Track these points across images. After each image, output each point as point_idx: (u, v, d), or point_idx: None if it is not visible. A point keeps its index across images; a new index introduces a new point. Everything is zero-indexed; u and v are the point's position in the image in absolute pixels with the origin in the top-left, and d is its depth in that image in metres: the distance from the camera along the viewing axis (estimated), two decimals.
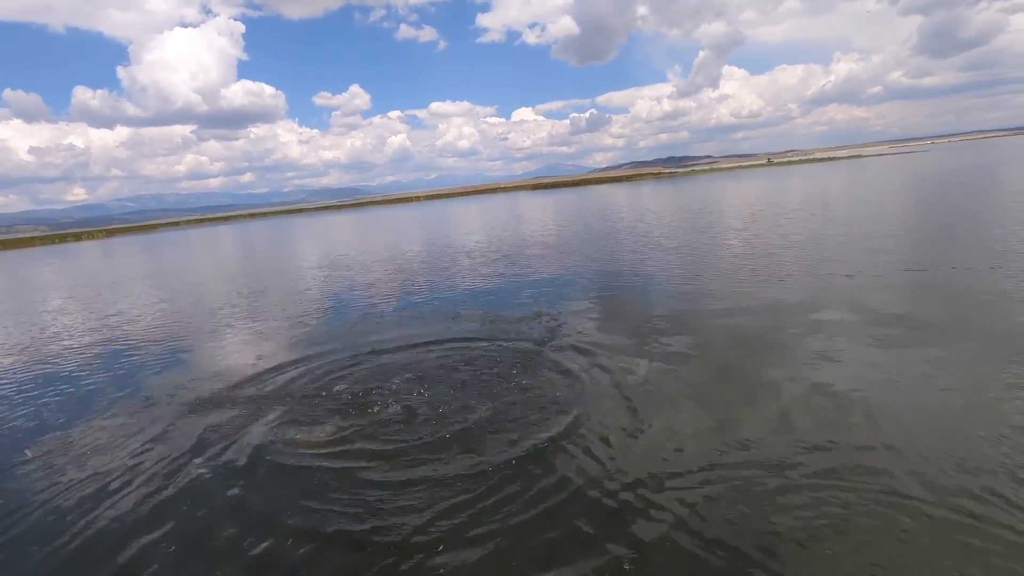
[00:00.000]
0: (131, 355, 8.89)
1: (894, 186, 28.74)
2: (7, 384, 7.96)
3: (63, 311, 14.57)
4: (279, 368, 7.16)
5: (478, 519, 3.58)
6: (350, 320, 9.62)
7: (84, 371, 8.23)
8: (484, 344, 7.29)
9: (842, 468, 3.71)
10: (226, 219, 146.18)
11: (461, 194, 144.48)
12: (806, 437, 4.15)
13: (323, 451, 4.74)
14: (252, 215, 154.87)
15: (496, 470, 4.12)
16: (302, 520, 3.77)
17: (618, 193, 58.14)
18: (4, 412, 6.70)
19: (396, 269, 15.59)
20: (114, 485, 4.50)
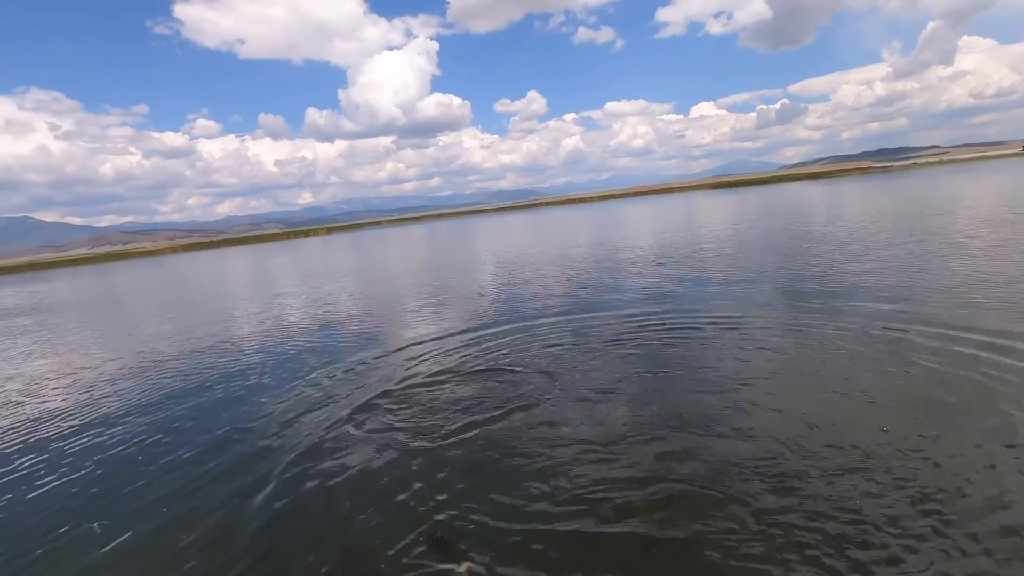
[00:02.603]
0: (340, 332, 10.62)
1: None
2: (249, 347, 10.14)
3: (291, 294, 17.91)
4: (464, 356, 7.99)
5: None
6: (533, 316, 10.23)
7: (302, 343, 10.08)
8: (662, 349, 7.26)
9: None
10: (418, 219, 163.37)
11: (634, 194, 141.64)
12: None
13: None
14: (439, 215, 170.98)
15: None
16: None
17: (813, 192, 51.81)
18: (245, 366, 8.59)
19: (571, 267, 16.02)
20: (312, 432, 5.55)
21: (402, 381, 7.04)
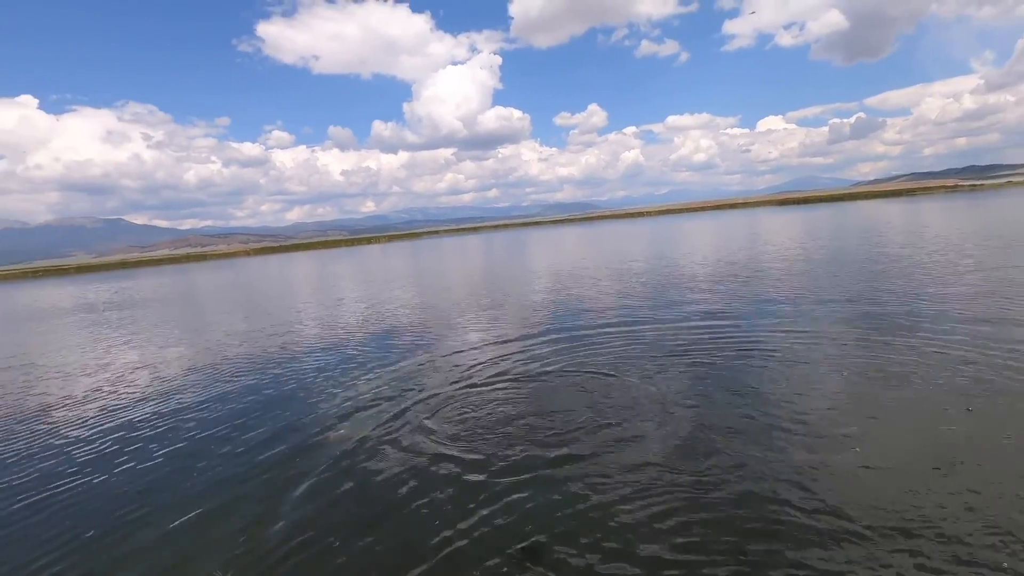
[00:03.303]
0: (398, 336, 10.85)
1: None
2: (312, 346, 10.50)
3: (353, 298, 18.53)
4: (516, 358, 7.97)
5: None
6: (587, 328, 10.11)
7: (360, 341, 10.36)
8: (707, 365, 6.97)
9: None
10: (475, 229, 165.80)
11: (695, 209, 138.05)
12: None
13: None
14: (495, 227, 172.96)
15: None
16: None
17: (891, 210, 48.65)
18: (306, 363, 8.90)
19: (630, 281, 15.74)
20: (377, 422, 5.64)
21: (457, 386, 7.12)
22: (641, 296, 12.76)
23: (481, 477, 4.52)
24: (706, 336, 8.35)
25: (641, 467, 4.41)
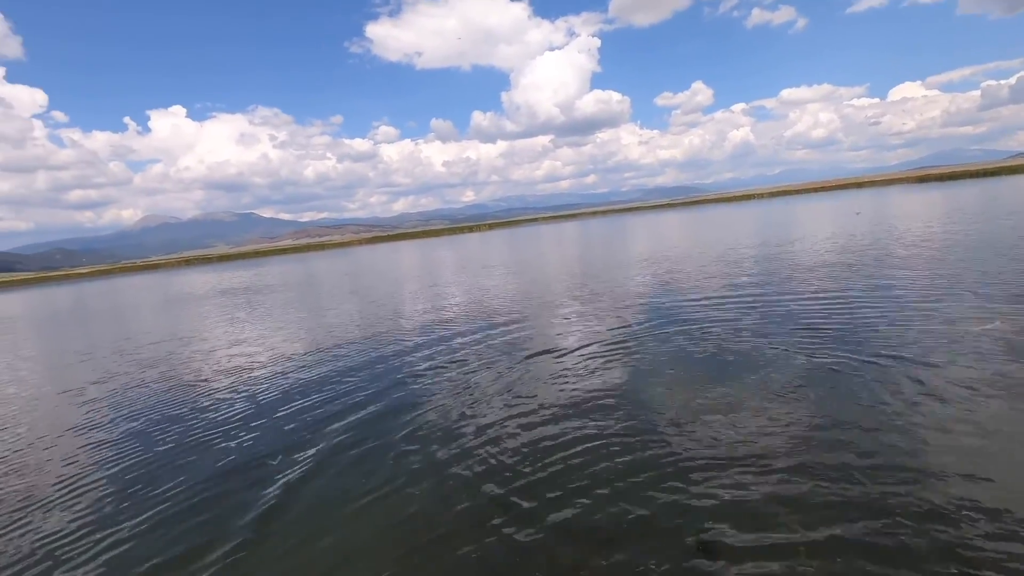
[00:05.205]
0: (495, 321, 10.90)
1: None
2: (415, 328, 10.83)
3: (453, 283, 19.05)
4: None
5: None
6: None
7: (460, 329, 10.50)
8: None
9: None
10: (572, 216, 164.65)
11: (813, 190, 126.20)
12: None
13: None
14: (593, 213, 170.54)
15: None
16: None
17: None
18: (418, 345, 9.16)
19: (740, 270, 14.70)
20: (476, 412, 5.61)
21: (567, 365, 6.97)
22: (754, 289, 11.81)
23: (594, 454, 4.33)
24: (840, 327, 7.54)
25: (784, 455, 3.98)
